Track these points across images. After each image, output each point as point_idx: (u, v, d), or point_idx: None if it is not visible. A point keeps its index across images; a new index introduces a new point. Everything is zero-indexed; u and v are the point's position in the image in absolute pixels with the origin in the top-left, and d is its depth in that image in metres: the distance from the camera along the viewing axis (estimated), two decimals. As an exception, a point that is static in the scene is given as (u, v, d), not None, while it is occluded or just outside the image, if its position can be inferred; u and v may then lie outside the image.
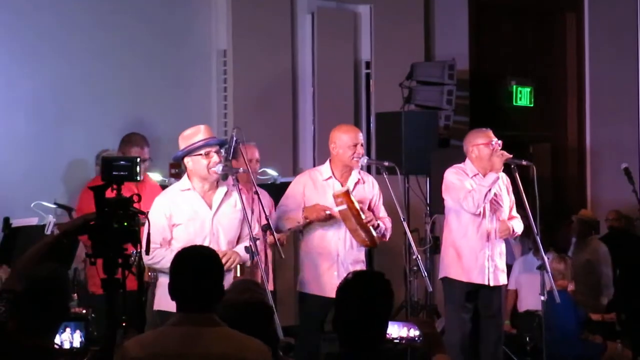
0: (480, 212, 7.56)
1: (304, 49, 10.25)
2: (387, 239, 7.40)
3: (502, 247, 7.77)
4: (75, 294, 7.47)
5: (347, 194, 7.05)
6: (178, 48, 9.54)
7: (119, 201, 4.62)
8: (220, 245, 6.33)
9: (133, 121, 8.70)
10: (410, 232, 7.61)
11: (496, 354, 7.81)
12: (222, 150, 6.53)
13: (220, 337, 4.18)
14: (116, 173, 4.76)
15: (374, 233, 7.13)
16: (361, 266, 7.25)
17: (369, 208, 7.27)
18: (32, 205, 7.64)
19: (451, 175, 7.67)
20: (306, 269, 7.28)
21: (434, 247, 9.49)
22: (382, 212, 7.37)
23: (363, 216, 7.07)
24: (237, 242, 6.46)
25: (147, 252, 4.90)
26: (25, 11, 8.71)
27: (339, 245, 7.19)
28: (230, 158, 6.78)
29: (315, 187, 7.20)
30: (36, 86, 8.76)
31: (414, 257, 7.33)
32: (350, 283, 4.27)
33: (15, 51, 8.69)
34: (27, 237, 6.98)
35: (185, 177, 6.49)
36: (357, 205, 7.06)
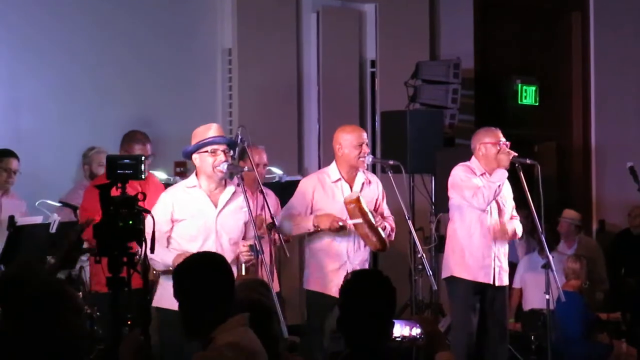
0: (488, 210, 7.56)
1: (309, 47, 10.23)
2: (392, 239, 7.36)
3: (506, 247, 7.77)
4: (80, 293, 7.46)
5: (358, 200, 6.99)
6: (183, 46, 9.52)
7: (124, 200, 4.62)
8: (223, 245, 6.26)
9: (137, 120, 8.68)
10: (415, 230, 7.60)
11: (501, 354, 7.80)
12: (231, 151, 6.47)
13: None
14: (121, 171, 4.76)
15: (383, 236, 7.08)
16: (366, 266, 7.23)
17: (375, 208, 7.25)
18: (36, 203, 7.64)
19: (459, 172, 7.66)
20: (314, 268, 7.21)
21: (439, 245, 9.47)
22: (386, 211, 7.35)
23: (373, 221, 7.04)
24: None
25: (152, 250, 4.88)
26: (29, 9, 8.70)
27: (348, 246, 7.14)
28: (235, 157, 6.75)
29: (325, 190, 7.15)
30: (40, 84, 8.75)
31: (419, 255, 7.31)
32: (351, 283, 4.27)
33: (19, 49, 8.68)
34: (31, 236, 6.98)
35: (193, 174, 6.44)
36: (367, 211, 7.01)
